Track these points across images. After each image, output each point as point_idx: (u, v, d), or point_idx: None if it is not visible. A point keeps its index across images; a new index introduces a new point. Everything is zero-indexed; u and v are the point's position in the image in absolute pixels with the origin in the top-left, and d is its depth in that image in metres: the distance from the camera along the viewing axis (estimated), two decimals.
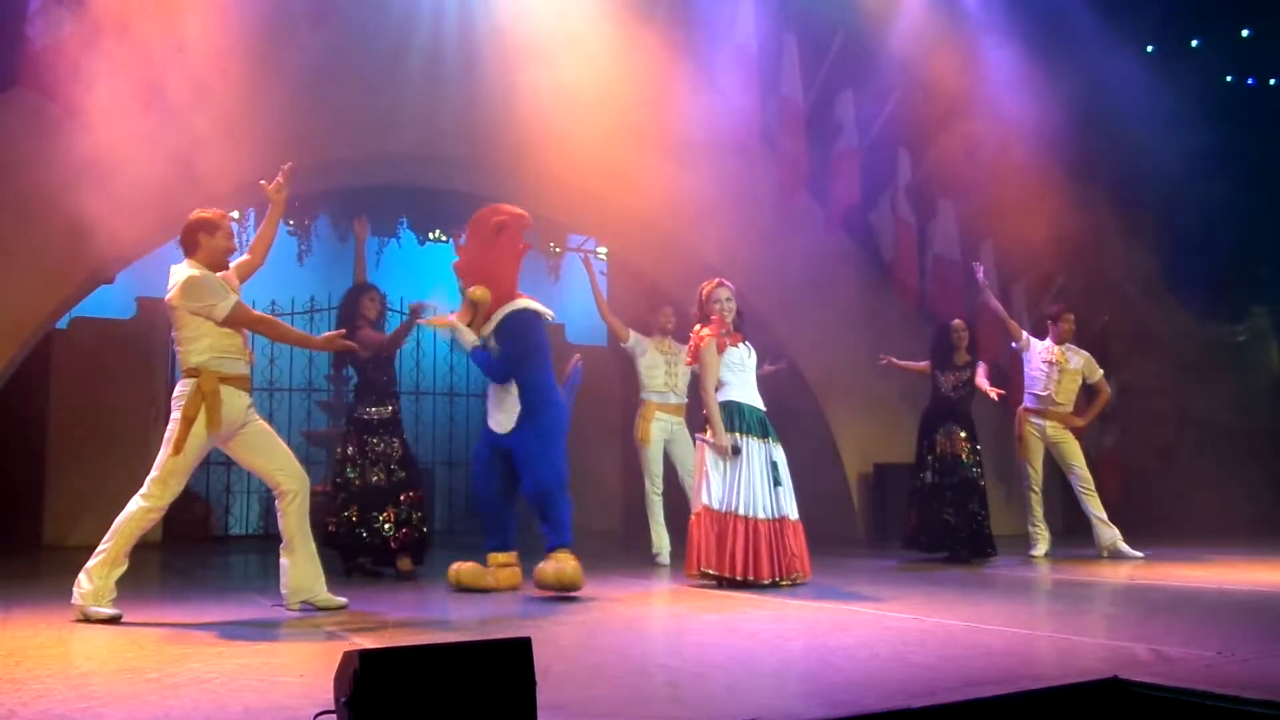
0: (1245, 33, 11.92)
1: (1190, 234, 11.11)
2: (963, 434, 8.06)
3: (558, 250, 13.45)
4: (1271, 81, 12.31)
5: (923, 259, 11.14)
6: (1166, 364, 11.04)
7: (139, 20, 7.98)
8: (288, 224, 12.98)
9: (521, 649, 2.77)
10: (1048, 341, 8.56)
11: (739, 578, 6.13)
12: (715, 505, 6.31)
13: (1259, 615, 5.07)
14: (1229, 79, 12.15)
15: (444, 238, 12.60)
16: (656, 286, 11.52)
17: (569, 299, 13.76)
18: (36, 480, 10.04)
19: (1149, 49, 11.73)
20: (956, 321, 8.38)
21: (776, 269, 10.49)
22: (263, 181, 5.57)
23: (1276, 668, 3.60)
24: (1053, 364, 8.44)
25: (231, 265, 5.42)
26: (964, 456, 7.99)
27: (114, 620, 4.81)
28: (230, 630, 4.65)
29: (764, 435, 6.48)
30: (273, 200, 5.57)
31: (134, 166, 7.94)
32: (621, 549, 9.63)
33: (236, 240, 5.88)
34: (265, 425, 5.34)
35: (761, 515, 6.29)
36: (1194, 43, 12.01)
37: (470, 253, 6.24)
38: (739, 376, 6.58)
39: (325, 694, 2.89)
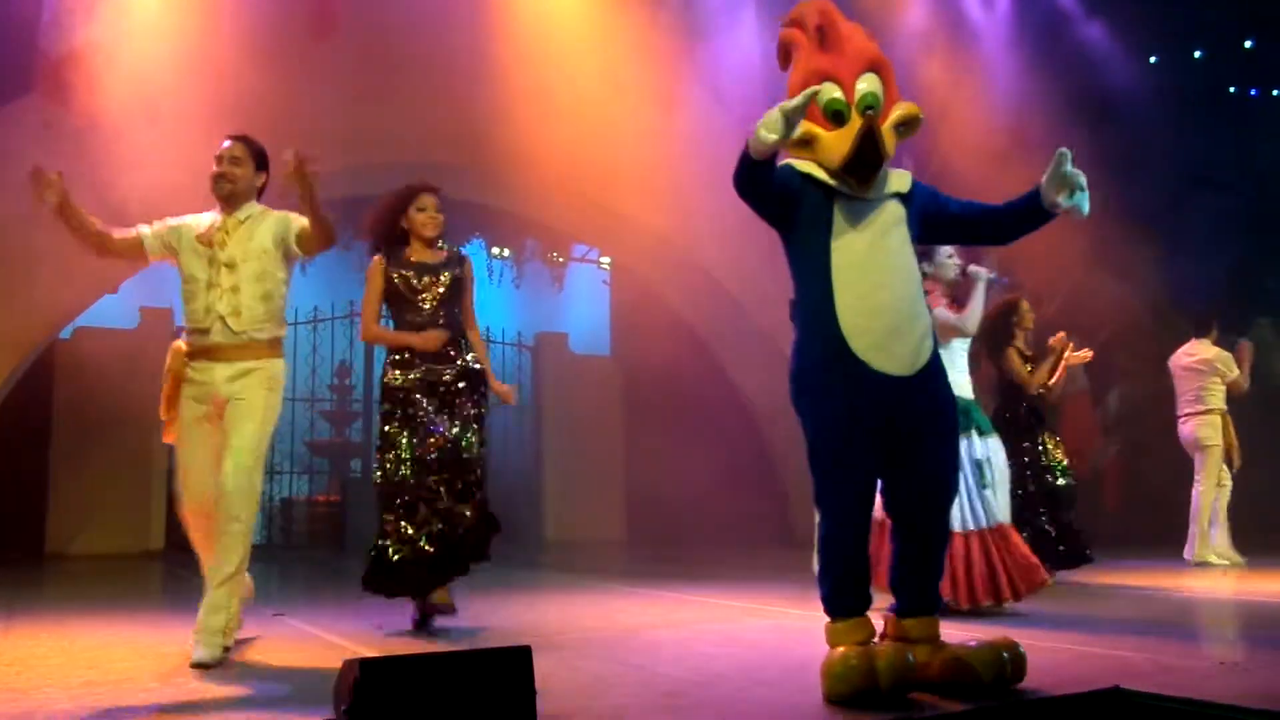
0: (1248, 44, 11.94)
1: (1194, 245, 11.12)
2: (1056, 437, 7.14)
3: (561, 259, 13.48)
4: (1274, 92, 12.33)
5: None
6: (1170, 375, 11.04)
7: (145, 32, 8.03)
8: None
9: (522, 658, 2.77)
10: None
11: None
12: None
13: (1260, 625, 5.06)
14: (1232, 90, 12.17)
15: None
16: (660, 296, 11.54)
17: (572, 308, 13.78)
18: (39, 490, 10.06)
19: (1152, 60, 11.75)
20: (1023, 302, 7.09)
21: (781, 278, 10.47)
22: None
23: (1277, 677, 3.59)
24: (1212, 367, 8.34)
25: None
26: (1062, 459, 7.08)
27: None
28: None
29: (967, 430, 5.26)
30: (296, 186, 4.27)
31: (138, 176, 7.99)
32: (625, 557, 9.62)
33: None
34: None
35: (954, 528, 5.00)
36: (1197, 54, 12.03)
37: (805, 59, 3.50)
38: (953, 356, 5.38)
39: (326, 702, 2.89)
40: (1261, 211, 11.24)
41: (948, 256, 5.49)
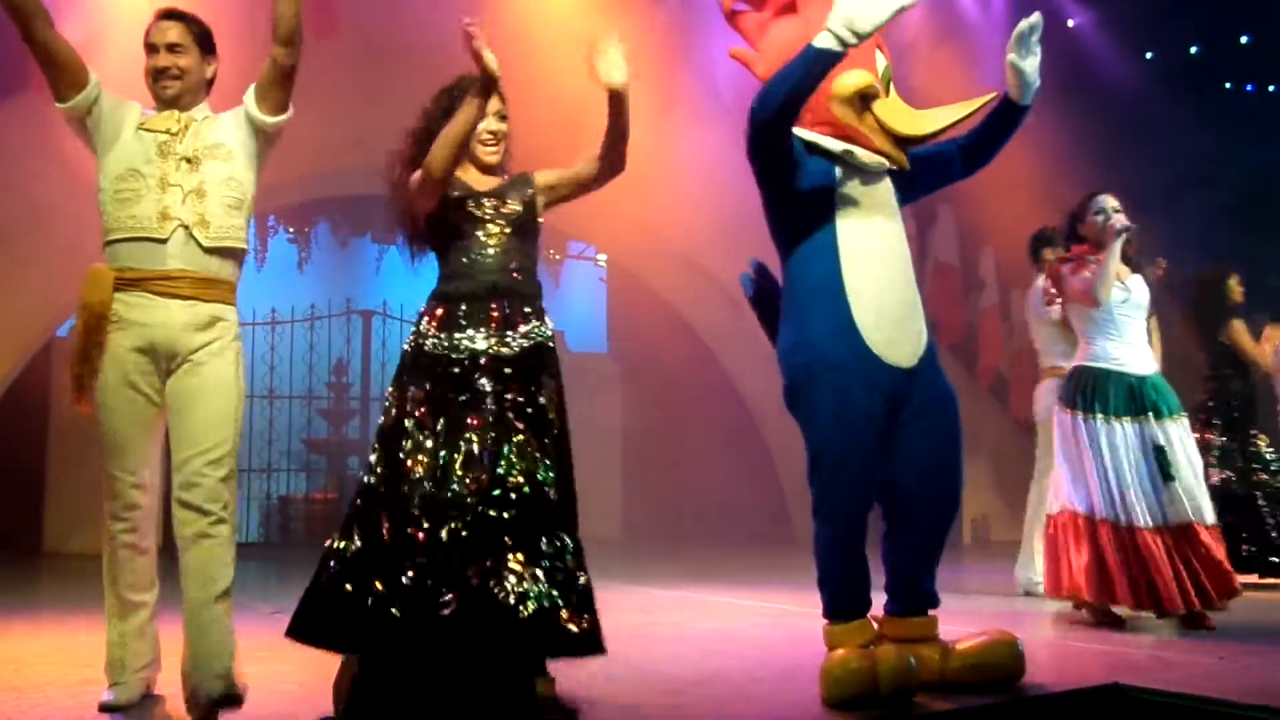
0: (1244, 39, 11.93)
1: (1190, 241, 11.10)
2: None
3: (557, 257, 13.47)
4: (1271, 88, 12.32)
5: (924, 265, 11.15)
6: (1170, 374, 11.04)
7: (141, 30, 7.99)
8: (288, 231, 12.99)
9: (520, 656, 2.76)
10: None
11: (1115, 607, 4.69)
12: (1077, 506, 4.69)
13: (1258, 621, 5.06)
14: (1228, 85, 12.16)
15: None
16: (658, 294, 11.53)
17: (569, 305, 13.76)
18: (36, 487, 10.03)
19: (1148, 56, 11.74)
20: (1231, 275, 6.47)
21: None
22: None
23: (1275, 673, 3.60)
24: None
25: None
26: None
27: None
28: None
29: (1143, 412, 4.68)
30: None
31: None
32: (622, 555, 9.61)
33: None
34: None
35: (1145, 522, 4.55)
36: (1193, 50, 12.02)
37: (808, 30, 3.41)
38: (1115, 326, 4.79)
39: (325, 701, 2.89)
40: (1258, 208, 11.22)
41: (1114, 209, 4.80)
